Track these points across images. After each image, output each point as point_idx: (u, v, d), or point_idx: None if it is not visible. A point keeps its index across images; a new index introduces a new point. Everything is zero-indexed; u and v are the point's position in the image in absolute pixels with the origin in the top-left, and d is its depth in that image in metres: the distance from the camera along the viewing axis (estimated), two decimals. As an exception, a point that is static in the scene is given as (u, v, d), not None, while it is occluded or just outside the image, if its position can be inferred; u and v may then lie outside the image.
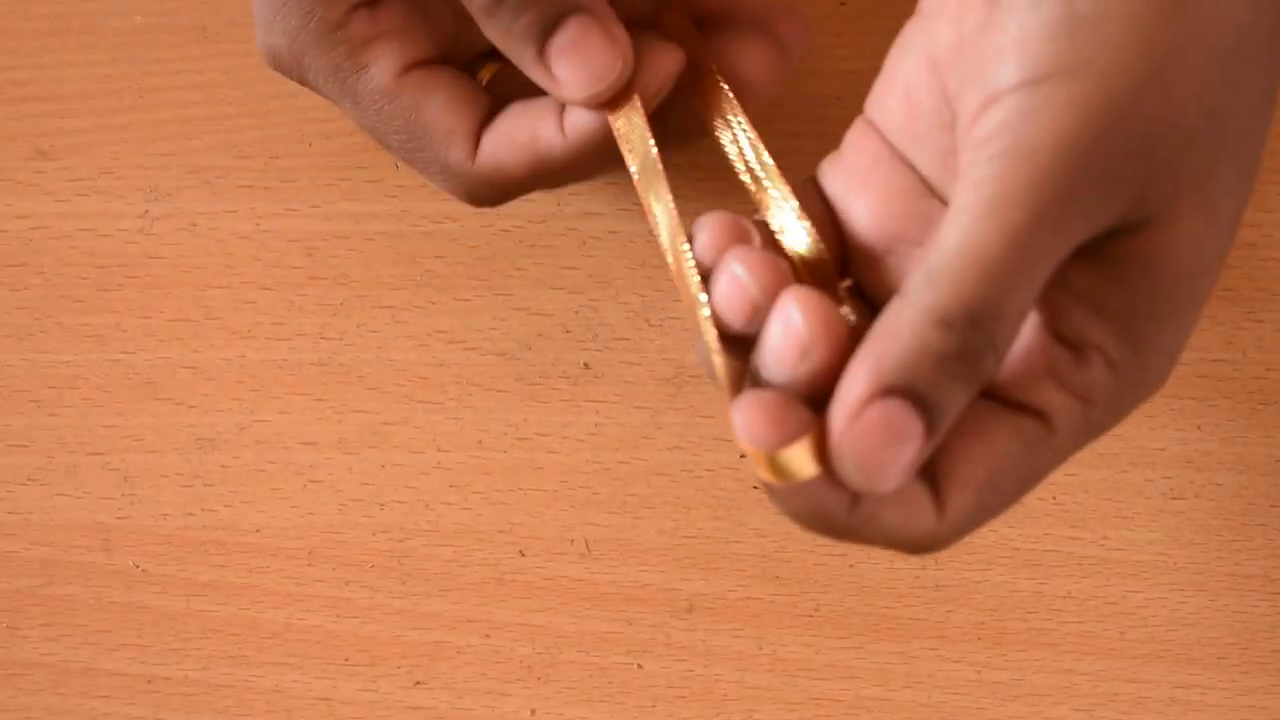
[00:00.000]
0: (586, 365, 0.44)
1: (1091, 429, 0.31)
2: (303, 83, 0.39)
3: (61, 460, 0.45)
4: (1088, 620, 0.43)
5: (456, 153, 0.38)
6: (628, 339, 0.44)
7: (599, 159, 0.38)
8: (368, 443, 0.45)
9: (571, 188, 0.44)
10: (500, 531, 0.44)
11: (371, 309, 0.45)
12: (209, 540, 0.45)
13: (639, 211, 0.45)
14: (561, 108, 0.37)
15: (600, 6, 0.36)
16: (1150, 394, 0.31)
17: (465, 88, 0.39)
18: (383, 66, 0.38)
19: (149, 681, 0.44)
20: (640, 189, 0.36)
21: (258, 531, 0.45)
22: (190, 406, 0.45)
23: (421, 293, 0.45)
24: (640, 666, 0.44)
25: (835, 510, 0.30)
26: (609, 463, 0.44)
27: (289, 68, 0.39)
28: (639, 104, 0.36)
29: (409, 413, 0.45)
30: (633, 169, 0.36)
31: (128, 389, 0.45)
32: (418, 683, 0.44)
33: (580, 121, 0.37)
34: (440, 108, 0.38)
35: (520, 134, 0.38)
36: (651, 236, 0.45)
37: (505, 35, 0.36)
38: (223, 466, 0.45)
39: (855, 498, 0.30)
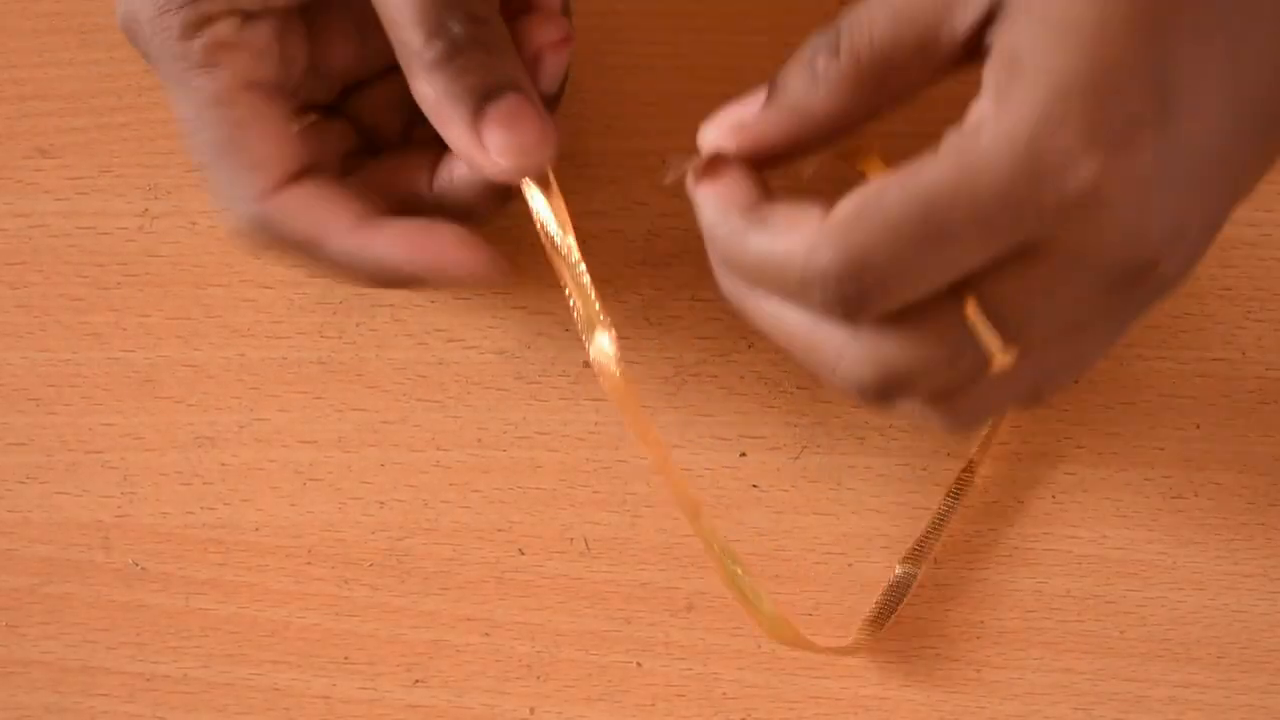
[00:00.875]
0: (586, 364, 0.44)
1: (981, 146, 0.31)
2: (143, 54, 0.39)
3: (61, 458, 0.45)
4: (1087, 619, 0.43)
5: (259, 181, 0.38)
6: (627, 338, 0.44)
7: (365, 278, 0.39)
8: (367, 441, 0.45)
9: (572, 186, 0.43)
10: (499, 530, 0.44)
11: (371, 307, 0.45)
12: (208, 538, 0.45)
13: (640, 211, 0.45)
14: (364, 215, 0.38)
15: (534, 92, 0.38)
16: (1032, 121, 0.31)
17: (288, 130, 0.39)
18: (228, 73, 0.38)
19: (148, 680, 0.44)
20: (559, 269, 0.38)
21: (257, 530, 0.45)
22: (190, 405, 0.45)
23: (421, 291, 0.45)
24: (639, 665, 0.44)
25: (736, 206, 0.34)
26: (608, 461, 0.44)
27: (138, 37, 0.39)
28: (555, 186, 0.38)
29: (408, 411, 0.45)
30: (559, 244, 0.38)
31: (127, 387, 0.45)
32: (417, 681, 0.44)
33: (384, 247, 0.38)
34: (264, 135, 0.38)
35: (316, 206, 0.38)
36: (652, 235, 0.45)
37: (442, 93, 0.37)
38: (222, 465, 0.45)
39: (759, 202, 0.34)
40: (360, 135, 0.42)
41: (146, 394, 0.45)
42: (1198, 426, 0.44)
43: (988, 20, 0.33)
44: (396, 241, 0.38)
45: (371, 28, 0.41)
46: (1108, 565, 0.43)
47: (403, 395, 0.45)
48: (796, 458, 0.44)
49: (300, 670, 0.44)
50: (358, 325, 0.45)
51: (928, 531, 0.43)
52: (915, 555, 0.43)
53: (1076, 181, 0.31)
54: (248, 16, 0.38)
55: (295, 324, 0.45)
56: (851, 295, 0.32)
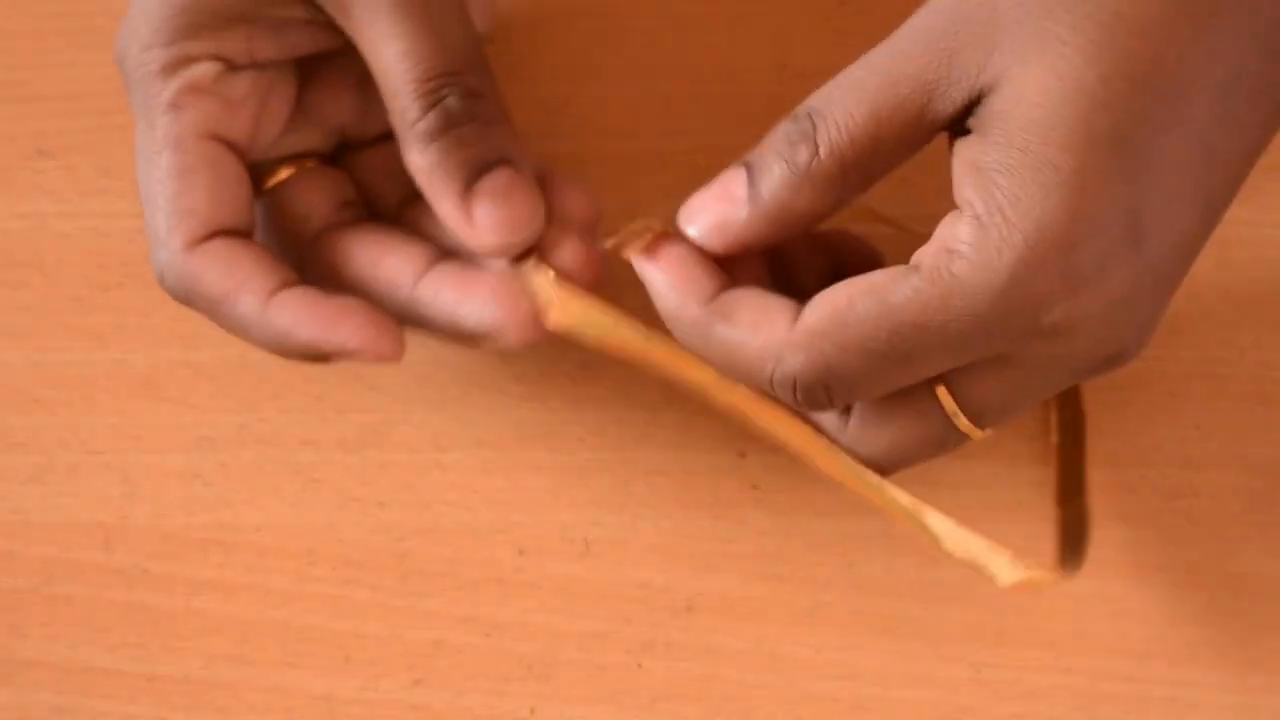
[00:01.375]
0: (586, 364, 0.44)
1: (956, 278, 0.32)
2: (126, 86, 0.39)
3: (62, 459, 0.45)
4: (1087, 619, 0.43)
5: (188, 229, 0.37)
6: (627, 338, 0.44)
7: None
8: (367, 442, 0.45)
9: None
10: (500, 530, 0.44)
11: (371, 308, 0.45)
12: (209, 539, 0.45)
13: (640, 212, 0.45)
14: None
15: (527, 168, 0.38)
16: (1010, 266, 0.32)
17: (236, 188, 0.38)
18: (192, 118, 0.38)
19: (149, 680, 0.44)
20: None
21: (258, 530, 0.45)
22: (190, 405, 0.45)
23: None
24: (640, 665, 0.44)
25: (695, 295, 0.35)
26: (609, 462, 0.44)
27: (124, 69, 0.38)
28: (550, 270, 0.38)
29: (409, 412, 0.45)
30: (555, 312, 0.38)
31: (128, 388, 0.45)
32: (417, 681, 0.44)
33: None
34: (207, 185, 0.38)
35: (233, 265, 0.37)
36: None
37: (435, 165, 0.37)
38: (223, 465, 0.45)
39: (717, 289, 0.35)
40: (360, 194, 0.42)
41: (147, 395, 0.45)
42: (1197, 426, 0.43)
43: (971, 106, 0.33)
44: (296, 310, 0.37)
45: (373, 88, 0.41)
46: (1108, 565, 0.43)
47: (403, 396, 0.45)
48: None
49: (301, 671, 0.44)
50: (358, 326, 0.45)
51: (1064, 472, 0.43)
52: (1068, 494, 0.43)
53: (1049, 319, 0.32)
54: (231, 67, 0.38)
55: (295, 325, 0.45)
56: (820, 398, 0.34)
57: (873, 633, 0.43)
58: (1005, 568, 0.37)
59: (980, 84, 0.33)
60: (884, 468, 0.37)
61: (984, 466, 0.44)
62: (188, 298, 0.38)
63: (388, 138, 0.41)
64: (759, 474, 0.44)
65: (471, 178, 0.37)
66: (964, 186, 0.33)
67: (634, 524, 0.44)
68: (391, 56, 0.37)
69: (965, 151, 0.33)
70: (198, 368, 0.45)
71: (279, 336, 0.37)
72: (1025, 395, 0.35)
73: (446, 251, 0.39)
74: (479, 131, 0.37)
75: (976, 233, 0.32)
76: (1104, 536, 0.43)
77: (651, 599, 0.44)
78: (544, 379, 0.45)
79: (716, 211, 0.35)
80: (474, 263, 0.39)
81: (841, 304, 0.33)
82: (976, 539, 0.37)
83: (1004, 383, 0.34)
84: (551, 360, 0.45)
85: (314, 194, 0.40)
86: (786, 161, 0.34)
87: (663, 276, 0.36)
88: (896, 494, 0.37)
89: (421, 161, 0.37)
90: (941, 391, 0.35)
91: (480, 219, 0.37)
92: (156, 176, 0.38)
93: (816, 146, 0.34)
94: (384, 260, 0.39)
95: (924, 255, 0.33)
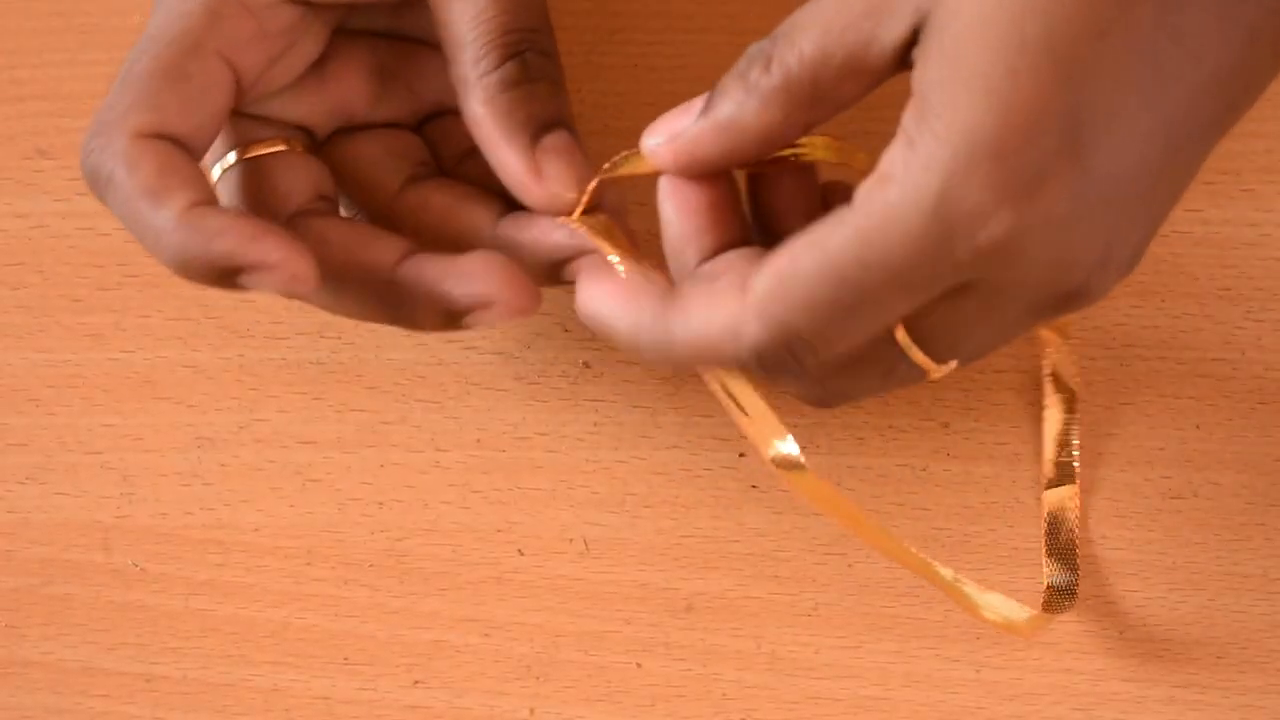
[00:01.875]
0: (586, 364, 0.44)
1: (889, 204, 0.31)
2: None
3: (60, 459, 0.45)
4: (1086, 619, 0.43)
5: (144, 118, 0.37)
6: (627, 338, 0.44)
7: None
8: (366, 442, 0.45)
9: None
10: (499, 530, 0.44)
11: (370, 308, 0.45)
12: (208, 539, 0.45)
13: (641, 211, 0.45)
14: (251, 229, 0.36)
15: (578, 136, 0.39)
16: (939, 180, 0.31)
17: (210, 112, 0.38)
18: (220, 31, 0.37)
19: (148, 680, 0.44)
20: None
21: (256, 530, 0.45)
22: (189, 406, 0.45)
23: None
24: (639, 665, 0.44)
25: (648, 307, 0.35)
26: (608, 462, 0.44)
27: None
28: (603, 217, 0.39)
29: (408, 412, 0.45)
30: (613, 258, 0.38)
31: (127, 388, 0.45)
32: (416, 682, 0.44)
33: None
34: (187, 94, 0.37)
35: (170, 166, 0.36)
36: (653, 236, 0.45)
37: (504, 116, 0.38)
38: (221, 465, 0.45)
39: (666, 297, 0.34)
40: (350, 182, 0.41)
41: (146, 395, 0.45)
42: (1197, 426, 0.43)
43: (913, 38, 0.32)
44: (220, 219, 0.36)
45: (390, 79, 0.41)
46: (1107, 565, 0.43)
47: (402, 396, 0.45)
48: (796, 458, 0.44)
49: (300, 671, 0.44)
50: (357, 326, 0.45)
51: (1059, 452, 0.43)
52: (1058, 479, 0.43)
53: (988, 235, 0.31)
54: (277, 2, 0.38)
55: (294, 325, 0.45)
56: (786, 360, 0.33)
57: (873, 633, 0.43)
58: (1033, 621, 0.41)
59: (921, 7, 0.32)
60: (833, 395, 0.36)
61: (984, 467, 0.44)
62: (107, 181, 0.36)
63: (391, 126, 0.41)
64: (758, 474, 0.44)
65: (539, 133, 0.38)
66: (906, 111, 0.32)
67: (634, 524, 0.44)
68: (473, 4, 0.37)
69: (911, 81, 0.32)
70: (197, 368, 0.45)
71: (196, 244, 0.35)
72: (981, 329, 0.34)
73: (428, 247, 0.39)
74: (550, 90, 0.38)
75: (906, 153, 0.31)
76: (1104, 536, 0.43)
77: (651, 599, 0.44)
78: (544, 379, 0.45)
79: (672, 122, 0.36)
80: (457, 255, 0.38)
81: (784, 264, 0.32)
82: (1006, 601, 0.40)
83: (958, 314, 0.33)
84: (551, 360, 0.45)
85: (299, 174, 0.40)
86: (740, 77, 0.34)
87: (605, 298, 0.36)
88: (940, 569, 0.39)
89: (489, 110, 0.38)
90: (898, 329, 0.34)
91: (549, 171, 0.38)
92: (145, 64, 0.37)
93: (769, 63, 0.34)
94: (366, 245, 0.38)
95: (860, 189, 0.32)
